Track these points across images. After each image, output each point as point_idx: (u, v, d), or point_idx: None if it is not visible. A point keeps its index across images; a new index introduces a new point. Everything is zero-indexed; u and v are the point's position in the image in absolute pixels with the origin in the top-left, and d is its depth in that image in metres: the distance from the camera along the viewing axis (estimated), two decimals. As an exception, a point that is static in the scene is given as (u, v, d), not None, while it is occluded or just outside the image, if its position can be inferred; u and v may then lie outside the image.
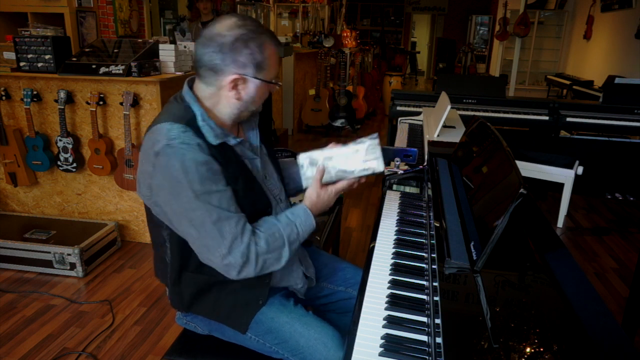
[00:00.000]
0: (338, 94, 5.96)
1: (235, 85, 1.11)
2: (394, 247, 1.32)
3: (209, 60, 1.09)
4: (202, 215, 1.05)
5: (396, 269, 1.21)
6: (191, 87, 1.18)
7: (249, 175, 1.18)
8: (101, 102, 2.70)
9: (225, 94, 1.13)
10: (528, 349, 0.76)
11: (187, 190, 1.04)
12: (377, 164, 1.25)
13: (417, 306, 1.06)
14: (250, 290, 1.22)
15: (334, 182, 1.26)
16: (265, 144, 1.31)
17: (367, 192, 4.13)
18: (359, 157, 1.26)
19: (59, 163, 2.85)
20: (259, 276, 1.14)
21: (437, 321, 0.90)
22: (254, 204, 1.17)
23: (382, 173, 1.28)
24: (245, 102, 1.15)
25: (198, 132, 1.09)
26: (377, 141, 1.27)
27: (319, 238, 2.10)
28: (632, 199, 3.91)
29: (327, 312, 1.44)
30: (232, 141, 1.16)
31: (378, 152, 1.25)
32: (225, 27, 1.08)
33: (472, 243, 1.07)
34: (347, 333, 1.01)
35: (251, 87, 1.13)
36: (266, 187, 1.23)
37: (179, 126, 1.07)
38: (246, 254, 1.08)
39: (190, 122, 1.10)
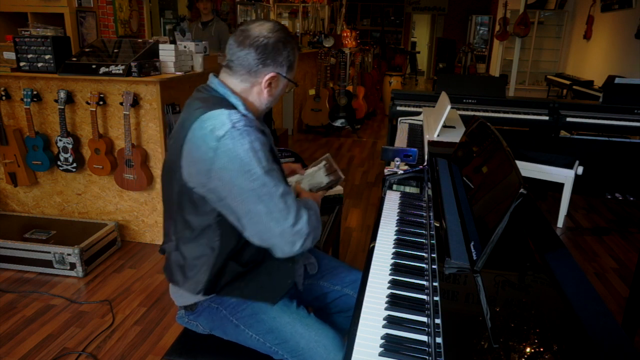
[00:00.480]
0: (338, 94, 5.96)
1: (270, 82, 1.22)
2: (394, 247, 1.32)
3: (249, 58, 1.19)
4: (271, 190, 1.11)
5: (396, 269, 1.21)
6: None
7: (278, 159, 1.26)
8: (101, 102, 2.70)
9: (258, 90, 1.23)
10: (528, 349, 0.76)
11: (257, 168, 1.10)
12: (339, 174, 1.48)
13: (417, 306, 1.06)
14: (281, 268, 1.26)
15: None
16: None
17: (367, 192, 4.13)
18: (322, 173, 1.47)
19: (59, 163, 2.85)
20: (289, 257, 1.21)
21: (437, 321, 0.90)
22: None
23: (342, 180, 1.50)
24: (274, 99, 1.27)
25: (246, 117, 1.17)
26: (330, 158, 1.50)
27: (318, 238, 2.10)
28: (632, 199, 3.91)
29: (323, 311, 1.45)
30: (266, 130, 1.25)
31: (335, 165, 1.48)
32: (266, 30, 1.19)
33: (472, 243, 1.07)
34: (345, 333, 1.01)
35: (281, 85, 1.26)
36: None
37: (235, 111, 1.15)
38: (309, 224, 1.15)
39: (237, 111, 1.18)
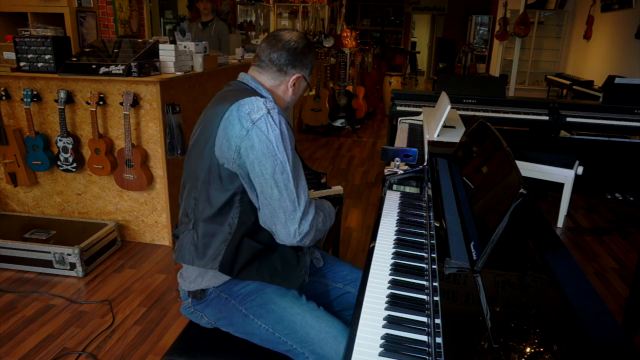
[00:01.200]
0: (338, 94, 5.96)
1: (294, 83, 1.35)
2: (394, 247, 1.32)
3: (282, 58, 1.32)
4: (288, 178, 1.19)
5: (396, 269, 1.21)
6: None
7: (300, 157, 1.34)
8: (101, 102, 2.70)
9: (284, 88, 1.36)
10: (528, 349, 0.76)
11: (282, 154, 1.19)
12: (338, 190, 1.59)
13: (417, 306, 1.06)
14: (294, 258, 1.31)
15: None
16: None
17: (367, 192, 4.13)
18: None
19: (59, 163, 2.85)
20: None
21: (437, 321, 0.90)
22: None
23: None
24: (295, 98, 1.39)
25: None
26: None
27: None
28: (632, 199, 3.91)
29: (325, 308, 1.45)
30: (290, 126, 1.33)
31: None
32: (296, 37, 1.34)
33: (472, 243, 1.07)
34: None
35: (302, 86, 1.40)
36: None
37: (268, 100, 1.24)
38: (312, 224, 1.23)
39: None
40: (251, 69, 1.37)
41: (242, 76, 1.37)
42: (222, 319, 1.32)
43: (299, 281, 1.31)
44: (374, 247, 1.33)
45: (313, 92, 6.09)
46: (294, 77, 1.34)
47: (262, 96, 1.27)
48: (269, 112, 1.20)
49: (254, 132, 1.18)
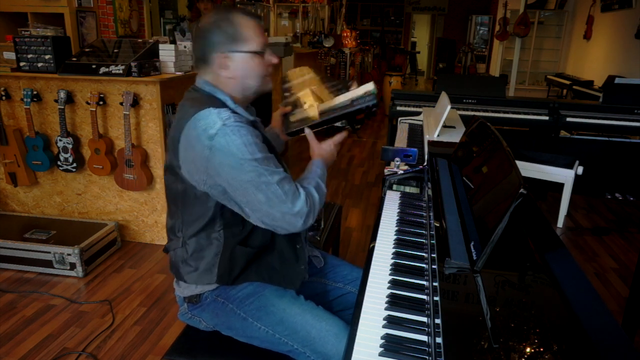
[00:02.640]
0: (338, 94, 5.95)
1: (222, 65, 1.22)
2: (394, 247, 1.32)
3: (196, 50, 1.24)
4: (268, 179, 1.15)
5: (396, 269, 1.21)
6: None
7: (272, 146, 1.29)
8: (101, 102, 2.70)
9: (223, 78, 1.24)
10: (528, 349, 0.76)
11: (251, 160, 1.14)
12: (368, 87, 1.32)
13: (417, 306, 1.06)
14: (291, 256, 1.30)
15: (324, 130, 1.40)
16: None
17: (367, 192, 4.13)
18: (347, 95, 1.36)
19: (59, 163, 2.85)
20: (295, 239, 1.30)
21: (437, 321, 0.90)
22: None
23: (374, 105, 1.32)
24: (241, 79, 1.24)
25: (235, 113, 1.21)
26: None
27: (319, 238, 2.10)
28: (632, 199, 3.91)
29: (326, 308, 1.45)
30: (255, 121, 1.29)
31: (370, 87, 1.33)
32: (205, 19, 1.23)
33: (472, 243, 1.07)
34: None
35: (237, 61, 1.22)
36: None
37: (223, 109, 1.18)
38: (308, 203, 1.19)
39: (224, 106, 1.21)
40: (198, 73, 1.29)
41: (197, 80, 1.29)
42: (221, 324, 1.32)
43: (300, 279, 1.30)
44: (374, 247, 1.33)
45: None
46: (216, 62, 1.21)
47: (217, 100, 1.22)
48: (224, 124, 1.13)
49: (216, 149, 1.13)
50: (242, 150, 1.13)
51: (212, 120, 1.14)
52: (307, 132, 1.36)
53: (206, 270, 1.27)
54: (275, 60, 1.27)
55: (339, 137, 1.39)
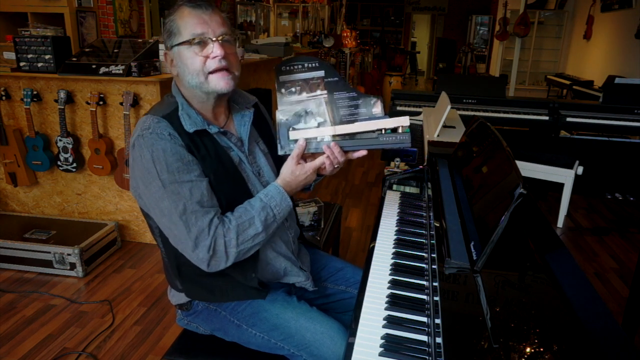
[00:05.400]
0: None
1: (169, 63, 1.16)
2: (394, 247, 1.32)
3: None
4: (170, 206, 1.06)
5: (396, 269, 1.21)
6: None
7: (229, 164, 1.17)
8: (101, 102, 2.70)
9: (175, 79, 1.18)
10: (528, 349, 0.76)
11: (156, 180, 1.06)
12: (402, 121, 1.09)
13: (417, 306, 1.06)
14: (243, 271, 1.19)
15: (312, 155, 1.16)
16: (267, 143, 1.31)
17: (367, 192, 4.13)
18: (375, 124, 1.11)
19: (59, 163, 2.85)
20: (244, 264, 1.15)
21: (437, 321, 0.90)
22: (232, 193, 1.16)
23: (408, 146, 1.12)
24: (181, 76, 1.13)
25: (176, 122, 1.11)
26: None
27: (319, 238, 2.10)
28: (632, 199, 3.91)
29: (328, 311, 1.44)
30: (212, 129, 1.16)
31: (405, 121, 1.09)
32: None
33: (472, 243, 1.07)
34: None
35: (175, 56, 1.13)
36: (256, 182, 1.22)
37: (154, 117, 1.11)
38: (213, 248, 1.06)
39: (170, 114, 1.13)
40: None
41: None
42: (217, 330, 1.31)
43: (255, 286, 1.20)
44: (374, 247, 1.33)
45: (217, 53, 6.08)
46: (164, 60, 1.18)
47: (170, 105, 1.15)
48: (141, 134, 1.08)
49: (134, 159, 1.10)
50: (149, 166, 1.06)
51: (136, 129, 1.11)
52: (301, 143, 1.14)
53: (172, 279, 1.28)
54: (216, 52, 1.08)
55: (319, 161, 1.15)
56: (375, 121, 1.13)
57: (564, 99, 6.44)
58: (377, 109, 1.14)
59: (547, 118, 3.93)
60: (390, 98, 4.36)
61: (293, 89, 1.17)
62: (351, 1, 12.89)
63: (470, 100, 4.09)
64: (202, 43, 1.10)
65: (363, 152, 1.16)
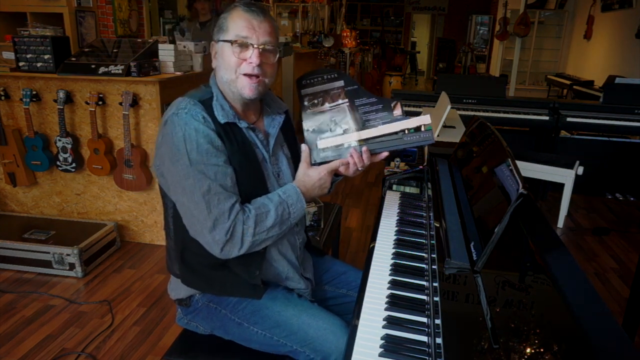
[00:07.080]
0: (338, 94, 5.95)
1: (212, 54, 1.21)
2: (394, 248, 1.32)
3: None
4: (193, 184, 1.09)
5: (396, 269, 1.21)
6: None
7: (253, 157, 1.20)
8: (100, 102, 2.70)
9: (215, 70, 1.22)
10: (528, 349, 0.75)
11: (184, 157, 1.09)
12: (424, 120, 1.13)
13: (417, 306, 1.06)
14: (247, 266, 1.21)
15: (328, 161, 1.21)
16: (291, 149, 1.33)
17: (367, 192, 4.13)
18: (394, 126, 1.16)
19: (58, 163, 2.84)
20: (249, 260, 1.17)
21: (437, 321, 0.90)
22: (251, 188, 1.18)
23: (429, 142, 1.17)
24: (218, 70, 1.19)
25: (210, 110, 1.15)
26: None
27: (318, 238, 2.10)
28: (632, 199, 3.91)
29: None
30: (242, 124, 1.20)
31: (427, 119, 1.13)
32: None
33: (472, 243, 1.07)
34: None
35: (218, 50, 1.19)
36: (274, 182, 1.25)
37: (190, 100, 1.15)
38: (231, 232, 1.09)
39: (205, 101, 1.17)
40: None
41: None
42: (218, 329, 1.31)
43: (251, 284, 1.21)
44: (374, 247, 1.32)
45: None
46: (211, 50, 1.23)
47: (205, 93, 1.19)
48: (175, 113, 1.12)
49: (163, 136, 1.13)
50: (179, 144, 1.09)
51: (171, 108, 1.14)
52: (304, 148, 1.22)
53: (173, 264, 1.28)
54: (253, 59, 1.13)
55: (335, 164, 1.20)
56: (399, 122, 1.19)
57: (564, 99, 6.44)
58: (398, 110, 1.20)
59: (547, 118, 3.93)
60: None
61: (315, 101, 1.24)
62: (351, 1, 12.89)
63: (470, 100, 4.08)
64: (244, 46, 1.14)
65: (386, 154, 1.23)
